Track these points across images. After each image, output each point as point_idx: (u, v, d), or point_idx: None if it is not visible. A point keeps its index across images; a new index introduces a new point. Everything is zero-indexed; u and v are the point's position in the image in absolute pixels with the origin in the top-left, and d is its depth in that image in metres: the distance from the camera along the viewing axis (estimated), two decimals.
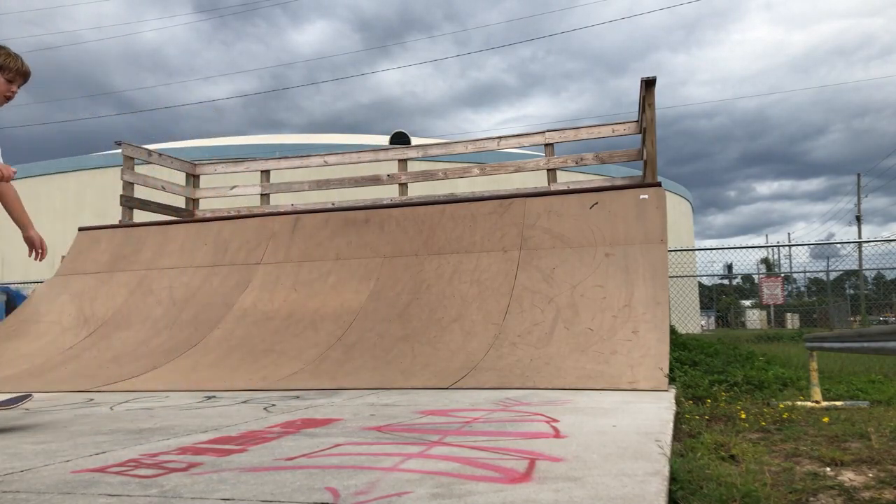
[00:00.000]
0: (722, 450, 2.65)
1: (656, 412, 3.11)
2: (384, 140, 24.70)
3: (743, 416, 3.62)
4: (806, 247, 28.64)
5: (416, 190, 9.23)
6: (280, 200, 10.13)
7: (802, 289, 27.05)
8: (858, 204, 39.27)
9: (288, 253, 6.90)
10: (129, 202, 8.53)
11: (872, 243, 14.68)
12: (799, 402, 4.26)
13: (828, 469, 2.37)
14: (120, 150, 8.75)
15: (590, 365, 4.50)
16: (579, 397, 3.74)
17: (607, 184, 8.08)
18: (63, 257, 8.06)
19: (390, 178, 8.45)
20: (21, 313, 7.25)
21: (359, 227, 6.79)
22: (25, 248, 3.28)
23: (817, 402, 4.27)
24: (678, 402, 3.79)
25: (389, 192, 8.97)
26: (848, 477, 2.24)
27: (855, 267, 17.89)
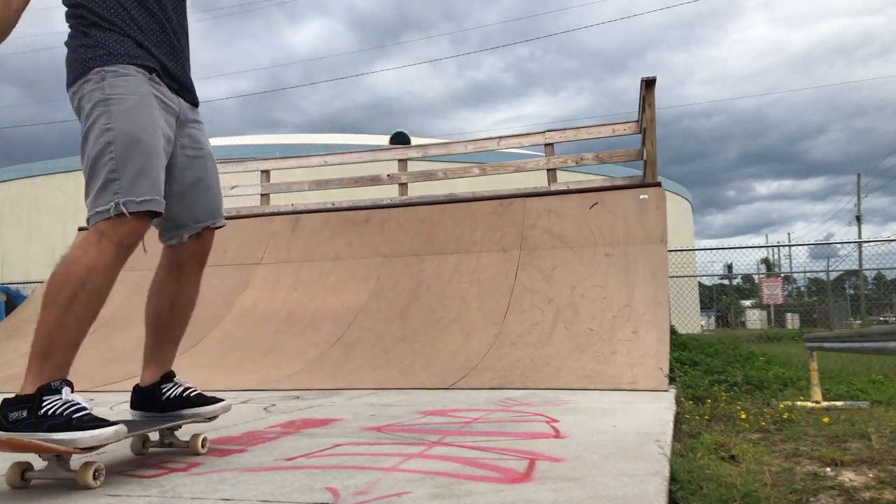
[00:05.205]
0: (722, 450, 2.65)
1: (656, 412, 3.11)
2: (384, 140, 24.68)
3: (743, 416, 3.62)
4: (806, 247, 28.67)
5: (416, 190, 9.20)
6: (280, 200, 10.11)
7: (802, 289, 27.09)
8: (858, 204, 39.28)
9: (288, 253, 6.90)
10: None
11: (872, 243, 14.71)
12: (799, 403, 4.26)
13: (828, 469, 2.37)
14: None
15: (590, 365, 4.50)
16: (579, 397, 3.74)
17: (607, 184, 8.06)
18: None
19: (390, 178, 8.44)
20: (21, 313, 7.26)
21: (359, 227, 6.79)
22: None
23: (817, 402, 4.27)
24: (678, 402, 3.79)
25: (389, 192, 8.96)
26: (848, 477, 2.24)
27: (855, 267, 17.89)
